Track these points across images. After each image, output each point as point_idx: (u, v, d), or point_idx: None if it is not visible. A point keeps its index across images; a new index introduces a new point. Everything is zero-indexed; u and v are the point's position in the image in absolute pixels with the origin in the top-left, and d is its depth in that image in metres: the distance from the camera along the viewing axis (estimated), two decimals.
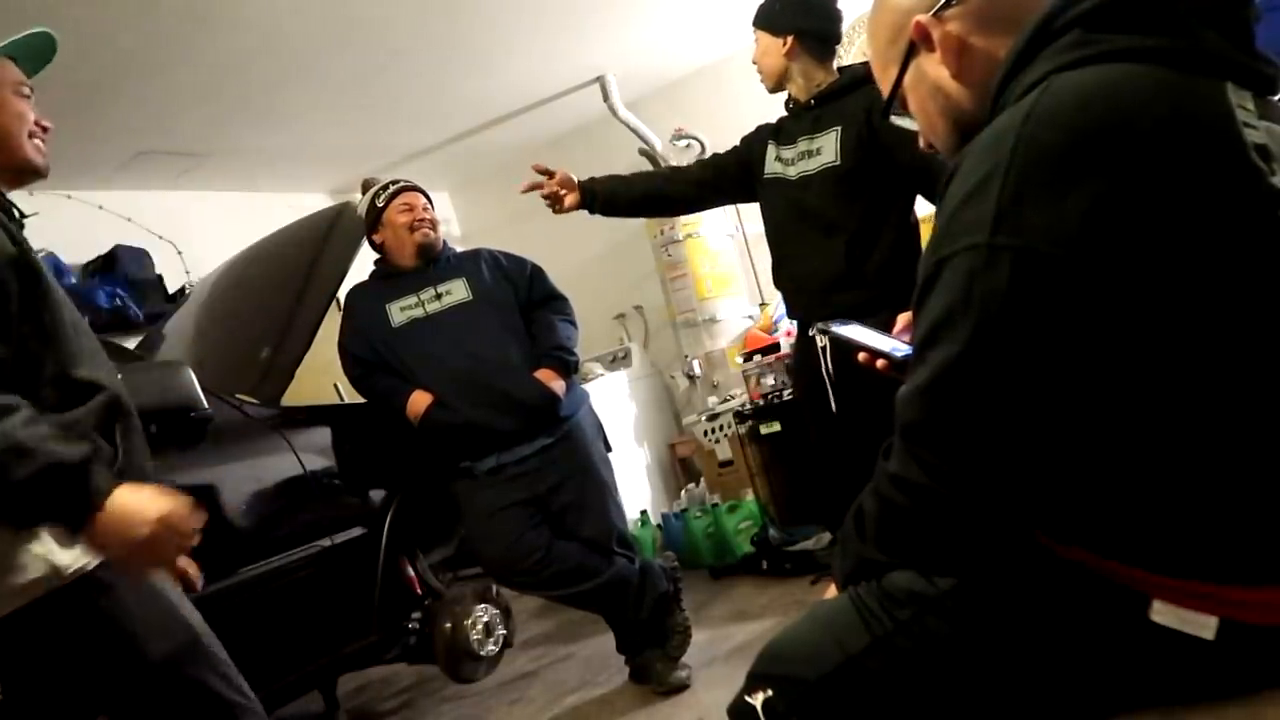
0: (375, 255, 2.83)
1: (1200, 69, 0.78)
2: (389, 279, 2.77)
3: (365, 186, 2.84)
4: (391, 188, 2.76)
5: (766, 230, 2.45)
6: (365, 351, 2.70)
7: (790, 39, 2.27)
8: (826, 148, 2.25)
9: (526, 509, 2.65)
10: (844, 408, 2.24)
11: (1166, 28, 0.79)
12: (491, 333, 2.68)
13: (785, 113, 2.41)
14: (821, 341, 2.30)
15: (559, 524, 2.69)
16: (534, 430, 2.65)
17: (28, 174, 1.41)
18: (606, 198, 2.54)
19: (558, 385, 2.66)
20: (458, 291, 2.71)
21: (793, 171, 2.32)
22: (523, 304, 2.79)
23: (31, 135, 1.40)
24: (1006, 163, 0.76)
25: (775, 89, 2.38)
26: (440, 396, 2.61)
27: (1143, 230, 0.73)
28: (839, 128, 2.23)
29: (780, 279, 2.43)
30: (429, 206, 2.79)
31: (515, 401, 2.61)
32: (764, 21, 2.32)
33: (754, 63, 2.37)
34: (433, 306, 2.69)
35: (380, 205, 2.74)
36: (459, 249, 2.91)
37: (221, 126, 4.14)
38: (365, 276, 2.84)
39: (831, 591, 1.09)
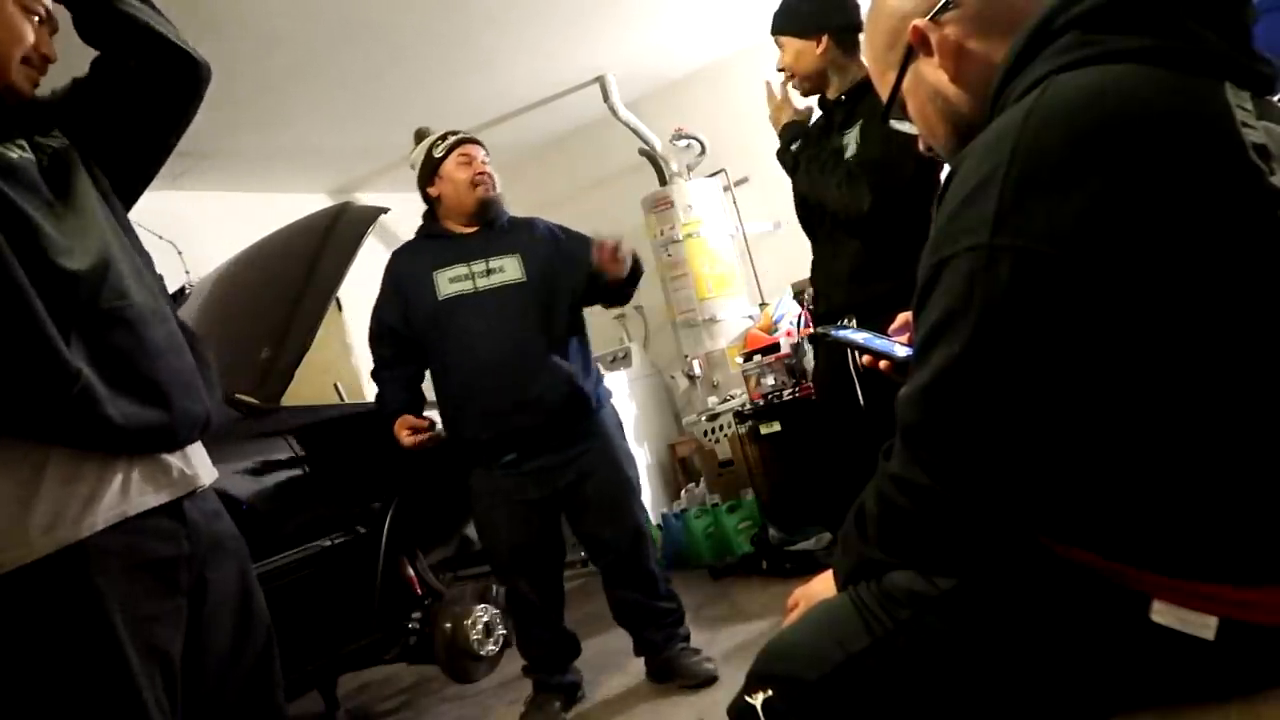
0: (424, 210, 2.69)
1: (1199, 69, 0.78)
2: (438, 240, 2.63)
3: (419, 136, 2.71)
4: (450, 138, 2.61)
5: (805, 230, 2.41)
6: (398, 323, 2.58)
7: (825, 39, 2.18)
8: (853, 142, 2.18)
9: (541, 503, 2.60)
10: (871, 404, 2.17)
11: (1165, 28, 0.79)
12: (533, 321, 2.55)
13: (818, 112, 2.34)
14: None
15: (578, 520, 2.66)
16: (555, 428, 2.57)
17: (7, 96, 1.26)
18: None
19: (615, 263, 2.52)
20: (510, 270, 2.57)
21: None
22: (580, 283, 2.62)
23: (26, 60, 1.25)
24: (1006, 163, 0.77)
25: (812, 92, 2.29)
26: (457, 399, 2.55)
27: (1143, 230, 0.73)
28: (863, 119, 2.16)
29: (814, 278, 2.39)
30: (488, 160, 2.64)
31: (538, 400, 2.52)
32: (792, 26, 2.22)
33: (781, 69, 2.27)
34: (482, 282, 2.55)
35: (439, 156, 2.59)
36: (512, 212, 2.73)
37: (222, 127, 4.13)
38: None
39: (820, 584, 1.10)
